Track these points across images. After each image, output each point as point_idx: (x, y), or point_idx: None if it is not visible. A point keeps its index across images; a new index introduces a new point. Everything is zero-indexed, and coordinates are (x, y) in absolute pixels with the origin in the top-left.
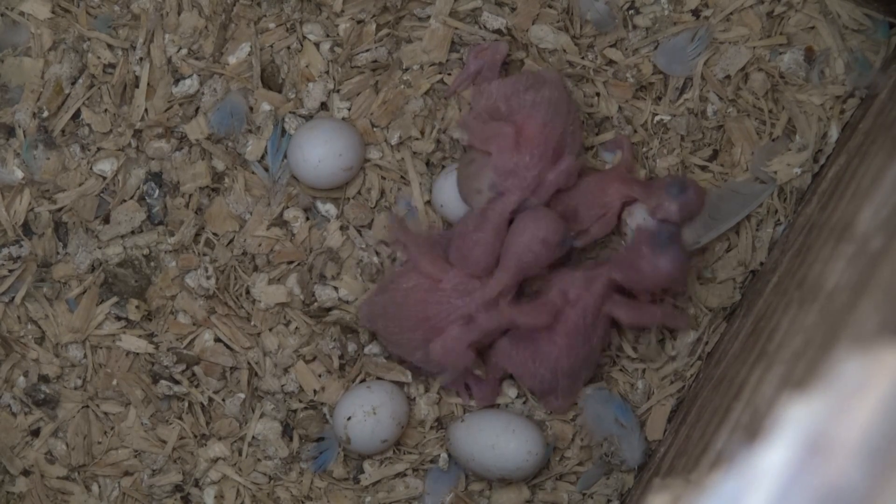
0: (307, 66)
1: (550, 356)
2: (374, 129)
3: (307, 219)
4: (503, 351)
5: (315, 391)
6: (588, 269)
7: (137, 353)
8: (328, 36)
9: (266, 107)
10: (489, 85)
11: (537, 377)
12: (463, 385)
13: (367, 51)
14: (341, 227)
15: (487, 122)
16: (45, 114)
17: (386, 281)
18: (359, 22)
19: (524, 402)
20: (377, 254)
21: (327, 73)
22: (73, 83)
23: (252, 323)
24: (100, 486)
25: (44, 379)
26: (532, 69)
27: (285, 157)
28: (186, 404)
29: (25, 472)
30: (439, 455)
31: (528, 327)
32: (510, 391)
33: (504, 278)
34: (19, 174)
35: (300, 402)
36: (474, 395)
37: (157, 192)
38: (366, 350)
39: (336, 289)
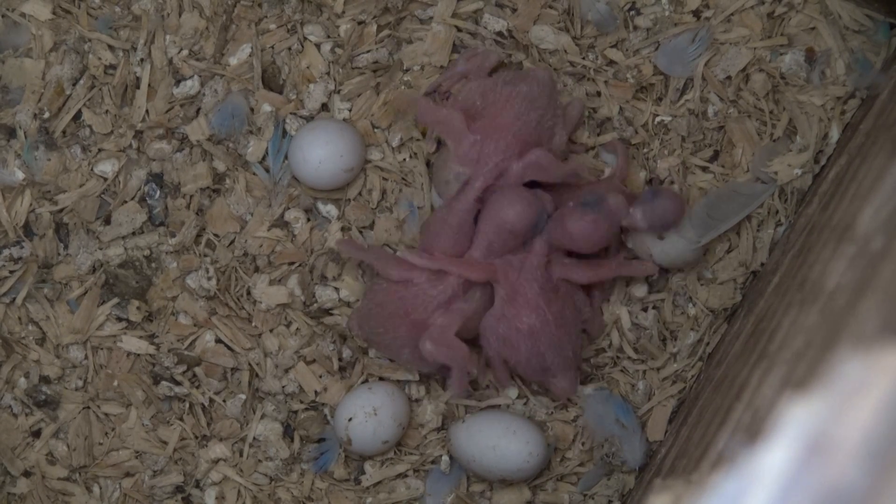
0: (308, 67)
1: (523, 329)
2: (375, 131)
3: (308, 220)
4: (487, 340)
5: (316, 392)
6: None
7: (138, 354)
8: (329, 37)
9: (267, 108)
10: (471, 83)
11: (523, 358)
12: (468, 385)
13: (368, 52)
14: (342, 229)
15: (438, 106)
16: (46, 115)
17: (368, 286)
18: (360, 23)
19: (525, 403)
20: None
21: (328, 74)
22: (74, 84)
23: (253, 324)
24: (101, 488)
25: (45, 380)
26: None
27: (286, 158)
28: (187, 405)
29: (26, 473)
30: (440, 456)
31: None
32: (511, 391)
33: (472, 259)
34: (20, 175)
35: (301, 402)
36: (494, 379)
37: (158, 193)
38: (368, 352)
39: (337, 290)
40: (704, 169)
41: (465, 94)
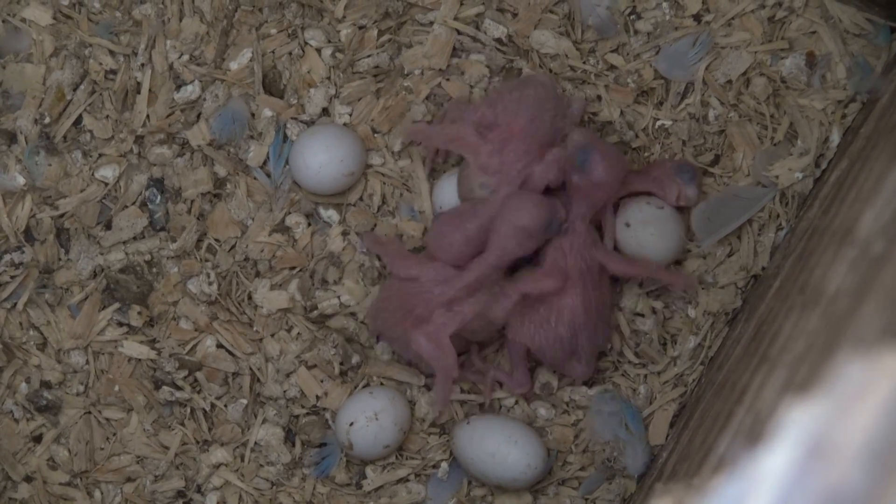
0: (309, 72)
1: (566, 309)
2: (376, 135)
3: (309, 224)
4: (516, 325)
5: (317, 397)
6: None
7: (139, 359)
8: (330, 41)
9: (268, 112)
10: (478, 102)
11: (557, 340)
12: (451, 388)
13: (369, 56)
14: (343, 233)
15: (445, 125)
16: (47, 120)
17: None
18: (360, 27)
19: (524, 411)
20: (378, 258)
21: (329, 78)
22: (74, 89)
23: (254, 328)
24: (102, 493)
25: (46, 385)
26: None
27: (287, 162)
28: (188, 410)
29: (28, 479)
30: (441, 461)
31: (541, 294)
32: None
33: (486, 262)
34: (21, 180)
35: (302, 407)
36: (509, 386)
37: (159, 198)
38: (373, 352)
39: (338, 295)
40: (705, 173)
41: (477, 108)
